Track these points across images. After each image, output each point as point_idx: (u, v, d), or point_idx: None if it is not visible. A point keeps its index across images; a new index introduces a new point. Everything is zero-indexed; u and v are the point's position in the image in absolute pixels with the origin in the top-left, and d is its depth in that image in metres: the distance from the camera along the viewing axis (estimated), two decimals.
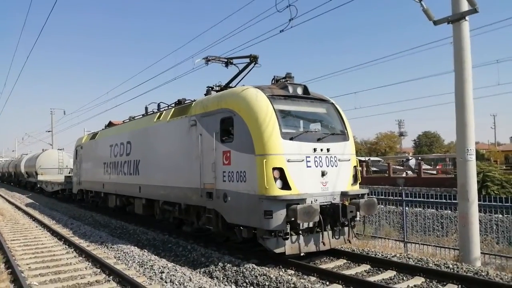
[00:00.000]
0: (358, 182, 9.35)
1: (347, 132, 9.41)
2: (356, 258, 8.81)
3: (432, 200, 12.14)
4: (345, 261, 8.77)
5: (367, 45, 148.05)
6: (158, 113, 12.54)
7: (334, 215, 8.31)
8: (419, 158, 41.57)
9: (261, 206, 7.81)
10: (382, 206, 14.25)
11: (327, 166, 8.56)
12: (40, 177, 31.59)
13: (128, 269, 8.24)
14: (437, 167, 40.29)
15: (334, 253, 9.06)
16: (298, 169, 8.14)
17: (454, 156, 33.48)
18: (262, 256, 8.82)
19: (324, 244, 8.45)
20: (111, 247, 10.44)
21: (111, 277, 7.73)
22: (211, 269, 8.10)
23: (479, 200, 9.29)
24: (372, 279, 7.49)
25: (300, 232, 8.17)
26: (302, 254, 8.40)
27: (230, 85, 11.03)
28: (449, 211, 13.99)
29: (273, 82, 9.81)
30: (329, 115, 9.61)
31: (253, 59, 10.49)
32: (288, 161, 8.05)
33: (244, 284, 7.27)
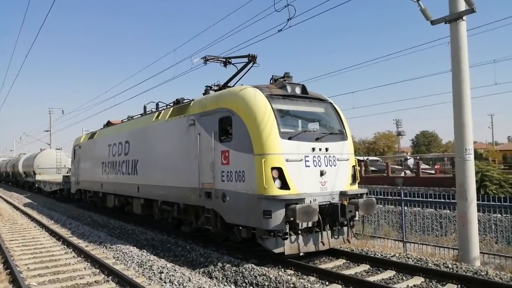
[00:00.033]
0: (357, 181, 9.35)
1: (345, 131, 9.41)
2: (355, 258, 8.81)
3: (431, 199, 12.15)
4: (344, 261, 8.76)
5: (364, 45, 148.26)
6: (157, 113, 12.51)
7: (333, 214, 8.30)
8: (418, 157, 41.65)
9: (260, 206, 7.80)
10: (381, 205, 14.27)
11: (326, 166, 8.56)
12: (38, 177, 31.54)
13: (127, 269, 8.22)
14: (436, 166, 40.33)
15: (333, 253, 9.06)
16: (297, 169, 8.13)
17: (452, 156, 33.54)
18: (261, 256, 8.81)
19: (323, 244, 8.45)
20: (110, 247, 10.42)
21: (110, 277, 7.71)
22: (210, 269, 8.08)
23: (477, 200, 9.30)
24: (371, 279, 7.48)
25: (299, 232, 8.16)
26: (301, 254, 8.40)
27: (229, 84, 11.03)
28: (448, 211, 14.01)
29: (271, 81, 9.80)
30: (327, 114, 9.60)
31: (252, 58, 10.50)
32: (287, 160, 8.04)
33: (244, 284, 7.26)
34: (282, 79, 9.70)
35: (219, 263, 8.25)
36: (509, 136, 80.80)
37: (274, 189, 7.82)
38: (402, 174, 34.30)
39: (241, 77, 10.92)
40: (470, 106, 8.98)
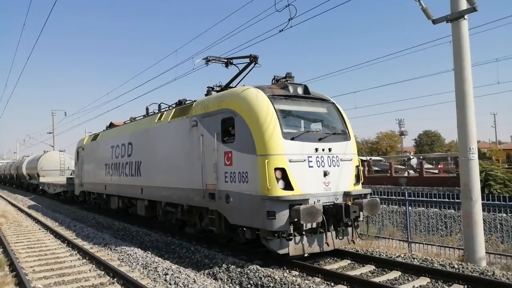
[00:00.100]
0: (361, 182, 9.32)
1: (348, 131, 9.38)
2: (360, 258, 8.78)
3: (435, 199, 12.09)
4: (349, 261, 8.73)
5: (366, 45, 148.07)
6: (159, 114, 12.52)
7: (337, 215, 8.26)
8: (421, 157, 41.53)
9: (263, 206, 7.78)
10: (385, 206, 14.21)
11: (329, 166, 8.53)
12: (42, 179, 31.61)
13: (132, 271, 8.22)
14: (439, 166, 40.19)
15: (338, 254, 9.03)
16: (300, 169, 8.11)
17: (456, 155, 33.43)
18: (266, 257, 8.80)
19: (328, 244, 8.42)
20: (114, 249, 10.43)
21: (115, 279, 7.72)
22: (215, 271, 8.07)
23: (482, 199, 9.25)
24: (377, 279, 7.45)
25: (304, 232, 8.14)
26: (306, 255, 8.37)
27: (231, 85, 11.02)
28: (453, 211, 13.92)
29: (273, 82, 9.79)
30: (330, 114, 9.58)
31: (253, 59, 10.49)
32: (290, 161, 8.02)
33: (249, 286, 7.25)
34: (284, 80, 9.69)
35: (223, 265, 8.24)
36: None
37: (278, 190, 7.80)
38: (406, 174, 34.23)
39: (243, 78, 10.92)
40: (473, 105, 8.94)
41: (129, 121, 15.78)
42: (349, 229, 8.81)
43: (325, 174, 8.39)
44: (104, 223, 15.30)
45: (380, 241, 11.38)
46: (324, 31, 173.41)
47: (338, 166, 8.68)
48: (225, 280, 7.65)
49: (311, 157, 8.29)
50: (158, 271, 7.99)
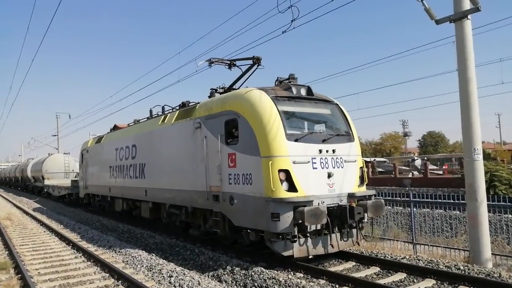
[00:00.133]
0: (365, 183, 9.29)
1: (352, 133, 9.36)
2: (365, 260, 8.74)
3: (440, 200, 12.04)
4: (354, 263, 8.70)
5: (369, 46, 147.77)
6: (163, 116, 12.54)
7: (341, 217, 8.24)
8: (425, 158, 41.35)
9: (268, 208, 7.77)
10: (389, 207, 14.17)
11: (333, 168, 8.51)
12: (46, 182, 31.74)
13: (137, 274, 8.22)
14: (443, 167, 40.03)
15: (343, 256, 9.00)
16: (304, 171, 8.09)
17: (460, 156, 33.28)
18: (270, 259, 8.78)
19: (332, 246, 8.38)
20: (119, 251, 10.44)
21: (120, 281, 7.72)
22: (220, 273, 8.07)
23: (487, 200, 9.19)
24: (382, 281, 7.42)
25: (308, 234, 8.11)
26: (310, 257, 8.35)
27: (234, 87, 11.03)
28: (458, 212, 13.87)
29: (276, 83, 9.78)
30: (333, 116, 9.56)
31: (256, 60, 10.49)
32: (294, 162, 8.00)
33: None
34: (287, 81, 9.68)
35: (228, 267, 8.23)
36: None
37: (282, 192, 7.79)
38: (410, 175, 34.08)
39: (246, 79, 10.93)
40: (478, 105, 8.90)
41: (133, 123, 15.81)
42: (354, 230, 8.77)
43: (329, 175, 8.37)
44: (108, 226, 15.33)
45: (385, 243, 11.33)
46: (327, 33, 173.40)
47: (342, 167, 8.66)
48: (230, 282, 7.63)
49: (315, 158, 8.28)
50: (162, 273, 7.99)
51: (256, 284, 7.29)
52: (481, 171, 8.88)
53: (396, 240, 11.54)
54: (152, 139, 12.86)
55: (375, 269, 8.20)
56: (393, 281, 7.45)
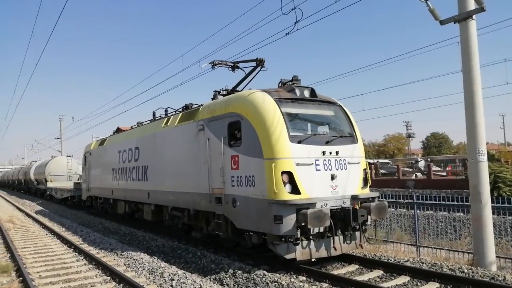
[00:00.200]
0: (368, 185, 9.23)
1: (355, 134, 9.31)
2: (368, 263, 8.67)
3: (444, 202, 11.95)
4: (357, 266, 8.63)
5: (373, 47, 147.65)
6: (166, 118, 12.53)
7: (345, 219, 8.17)
8: (428, 159, 41.18)
9: (270, 211, 7.72)
10: (392, 209, 14.08)
11: (337, 170, 8.46)
12: (49, 184, 31.80)
13: (138, 277, 8.18)
14: (447, 168, 39.85)
15: (346, 258, 8.93)
16: (307, 173, 8.04)
17: (464, 157, 33.12)
18: (273, 262, 8.73)
19: (335, 249, 8.32)
20: (120, 254, 10.41)
21: (121, 284, 7.69)
22: (222, 276, 8.01)
23: (491, 202, 9.11)
24: (385, 285, 7.36)
25: (311, 237, 8.06)
26: (313, 260, 8.29)
27: (237, 89, 10.99)
28: (462, 214, 13.78)
29: (280, 85, 9.74)
30: (337, 117, 9.51)
31: (260, 62, 10.46)
32: (297, 164, 7.95)
33: None
34: (290, 83, 9.63)
35: (230, 270, 8.18)
36: None
37: (285, 194, 7.73)
38: (413, 177, 33.92)
39: (250, 81, 10.90)
40: (482, 106, 8.83)
41: (136, 126, 15.82)
42: (357, 233, 8.71)
43: (333, 177, 8.32)
44: (110, 228, 15.31)
45: (388, 245, 11.26)
46: (331, 34, 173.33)
47: (345, 169, 8.61)
48: (232, 285, 7.58)
49: (318, 160, 8.23)
50: (164, 277, 7.95)
51: (258, 287, 7.23)
52: (486, 172, 8.81)
53: (400, 243, 11.46)
54: (155, 141, 12.85)
55: (378, 272, 8.13)
56: (397, 285, 7.38)
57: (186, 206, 10.77)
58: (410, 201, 11.96)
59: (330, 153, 8.43)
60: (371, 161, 40.76)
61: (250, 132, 8.38)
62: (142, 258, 9.69)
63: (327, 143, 8.50)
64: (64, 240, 12.75)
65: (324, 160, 8.32)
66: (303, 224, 7.55)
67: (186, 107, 11.93)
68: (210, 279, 8.04)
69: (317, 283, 7.62)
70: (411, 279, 7.59)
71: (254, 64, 10.60)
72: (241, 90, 10.68)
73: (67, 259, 10.16)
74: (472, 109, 8.77)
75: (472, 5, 8.72)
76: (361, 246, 8.90)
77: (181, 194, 10.97)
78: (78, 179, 29.14)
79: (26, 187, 43.98)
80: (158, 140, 12.58)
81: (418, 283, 7.38)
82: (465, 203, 10.73)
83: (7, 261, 9.99)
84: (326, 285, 7.48)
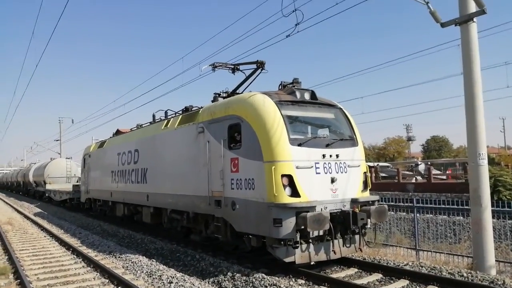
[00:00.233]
0: (368, 188, 9.21)
1: (356, 137, 9.28)
2: (367, 266, 8.64)
3: (444, 206, 11.93)
4: (356, 270, 8.59)
5: (373, 49, 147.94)
6: (166, 121, 12.51)
7: (344, 222, 8.14)
8: (429, 163, 41.13)
9: (270, 214, 7.69)
10: (392, 213, 14.06)
11: (337, 173, 8.43)
12: (48, 186, 31.75)
13: (137, 279, 8.14)
14: (447, 172, 39.79)
15: (345, 262, 8.89)
16: (307, 176, 8.02)
17: (464, 161, 33.08)
18: (272, 265, 8.69)
19: (334, 252, 8.28)
20: (119, 257, 10.37)
21: (119, 287, 7.65)
22: (220, 279, 7.97)
23: (491, 206, 9.09)
24: None
25: (310, 240, 8.02)
26: (312, 263, 8.24)
27: (237, 91, 10.98)
28: (461, 217, 13.74)
29: (280, 87, 9.74)
30: (337, 120, 9.49)
31: (260, 65, 10.46)
32: (297, 167, 7.93)
33: None
34: (291, 85, 9.63)
35: (229, 273, 8.14)
36: None
37: (285, 197, 7.71)
38: (413, 180, 33.88)
39: (250, 84, 10.89)
40: (483, 109, 8.82)
41: (135, 128, 15.79)
42: (357, 236, 8.68)
43: (333, 180, 8.29)
44: (109, 231, 15.27)
45: (387, 249, 11.22)
46: (331, 36, 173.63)
47: (345, 172, 8.58)
48: None
49: (318, 163, 8.20)
50: (162, 279, 7.91)
51: None
52: (486, 176, 8.79)
53: (399, 246, 11.43)
54: (154, 143, 12.82)
55: (377, 276, 8.10)
56: None
57: (185, 208, 10.73)
58: (410, 204, 11.94)
59: (330, 156, 8.41)
60: (371, 164, 40.67)
61: (250, 134, 8.36)
62: (140, 260, 9.66)
63: (327, 146, 8.48)
64: (63, 243, 12.71)
65: (324, 163, 8.29)
66: (302, 227, 7.52)
67: (186, 109, 11.91)
68: (208, 282, 8.00)
69: (316, 286, 7.58)
70: (410, 282, 7.55)
71: (254, 66, 10.61)
72: (241, 93, 10.67)
73: (65, 261, 10.12)
74: (473, 112, 8.76)
75: (473, 8, 8.72)
76: (361, 250, 8.86)
77: (180, 196, 10.93)
78: (77, 181, 29.12)
79: (24, 189, 43.92)
80: (158, 143, 12.55)
81: (418, 287, 7.36)
82: (465, 207, 10.71)
83: (5, 263, 9.95)
84: None
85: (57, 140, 52.51)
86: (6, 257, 10.70)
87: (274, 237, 7.66)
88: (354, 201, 8.52)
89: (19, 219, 20.37)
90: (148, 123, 14.45)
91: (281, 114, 8.24)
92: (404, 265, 8.63)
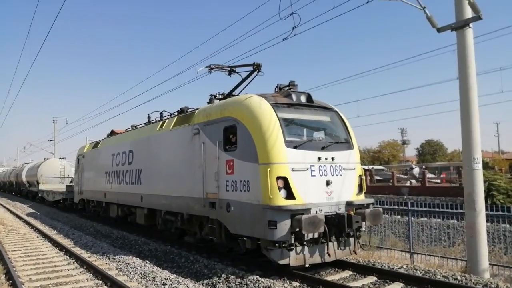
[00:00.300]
0: (363, 191, 9.22)
1: (351, 140, 9.30)
2: (362, 269, 8.64)
3: (438, 209, 11.97)
4: (350, 272, 8.59)
5: (369, 53, 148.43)
6: (161, 122, 12.46)
7: (339, 225, 8.14)
8: (423, 166, 41.36)
9: (265, 216, 7.67)
10: (387, 216, 14.09)
11: (332, 175, 8.44)
12: (41, 187, 31.51)
13: (130, 281, 8.08)
14: (441, 175, 40.02)
15: (340, 265, 8.89)
16: (303, 178, 8.01)
17: (458, 165, 33.30)
18: (266, 268, 8.66)
19: (329, 255, 8.28)
20: (112, 258, 10.29)
21: None
22: (215, 281, 7.94)
23: (485, 210, 9.13)
24: None
25: (305, 243, 8.01)
26: (307, 266, 8.24)
27: (233, 93, 10.97)
28: (455, 221, 13.82)
29: (276, 90, 9.73)
30: (333, 123, 9.51)
31: (256, 67, 10.44)
32: (292, 170, 7.92)
33: None
34: (287, 88, 9.63)
35: (223, 275, 8.11)
36: None
37: (280, 199, 7.70)
38: (408, 184, 34.05)
39: (246, 86, 10.88)
40: (478, 114, 8.87)
41: (130, 129, 15.72)
42: (351, 239, 8.68)
43: (328, 183, 8.29)
44: (102, 232, 15.17)
45: (382, 252, 11.25)
46: (328, 40, 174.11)
47: (341, 175, 8.59)
48: None
49: (313, 166, 8.20)
50: (156, 281, 7.86)
51: None
52: (481, 180, 8.84)
53: (393, 249, 11.46)
54: (149, 144, 12.77)
55: (372, 279, 8.10)
56: None
57: (180, 210, 10.69)
58: (404, 207, 11.97)
59: (326, 158, 8.41)
60: (366, 167, 40.83)
61: (245, 136, 8.35)
62: (134, 262, 9.59)
63: (323, 148, 8.49)
64: (55, 243, 12.60)
65: (320, 165, 8.30)
66: (297, 229, 7.51)
67: (181, 111, 11.87)
68: (203, 284, 7.96)
69: None
70: (405, 285, 7.56)
71: (251, 68, 10.59)
72: (238, 95, 10.66)
73: (58, 262, 10.03)
74: (468, 117, 8.81)
75: (469, 14, 8.78)
76: (355, 252, 8.86)
77: (174, 198, 10.89)
78: (71, 182, 28.93)
79: (17, 189, 43.57)
80: (153, 144, 12.50)
81: None
82: (459, 211, 10.75)
83: None
84: None
85: (51, 140, 52.30)
86: None
87: (269, 239, 7.64)
88: (349, 204, 8.53)
89: (11, 220, 20.19)
90: (143, 124, 14.39)
91: (277, 116, 8.24)
92: (399, 268, 8.65)
